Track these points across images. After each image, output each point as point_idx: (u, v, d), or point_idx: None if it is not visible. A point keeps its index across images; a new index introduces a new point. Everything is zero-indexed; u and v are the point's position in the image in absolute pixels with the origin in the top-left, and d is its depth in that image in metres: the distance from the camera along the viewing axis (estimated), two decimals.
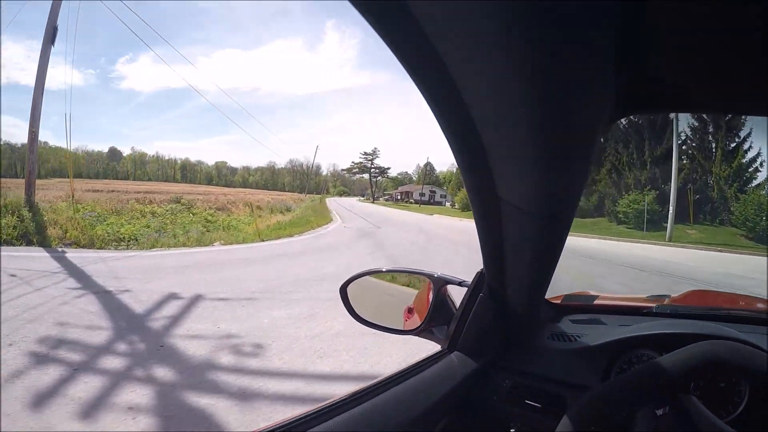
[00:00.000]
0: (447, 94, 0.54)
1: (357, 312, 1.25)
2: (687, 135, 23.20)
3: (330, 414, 0.77)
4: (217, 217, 20.08)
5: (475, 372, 1.08)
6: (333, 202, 52.13)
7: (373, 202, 71.38)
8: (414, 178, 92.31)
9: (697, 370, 0.71)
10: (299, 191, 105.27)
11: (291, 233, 16.18)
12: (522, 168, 0.68)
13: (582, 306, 1.40)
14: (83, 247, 10.80)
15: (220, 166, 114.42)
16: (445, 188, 68.70)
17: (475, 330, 1.10)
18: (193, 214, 19.46)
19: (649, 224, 21.34)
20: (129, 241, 12.15)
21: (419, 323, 1.20)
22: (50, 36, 12.33)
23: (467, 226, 18.65)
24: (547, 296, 1.22)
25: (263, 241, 13.96)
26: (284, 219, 23.28)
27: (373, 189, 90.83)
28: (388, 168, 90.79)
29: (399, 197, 77.46)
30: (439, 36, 0.45)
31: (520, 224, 0.81)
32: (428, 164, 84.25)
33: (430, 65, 0.49)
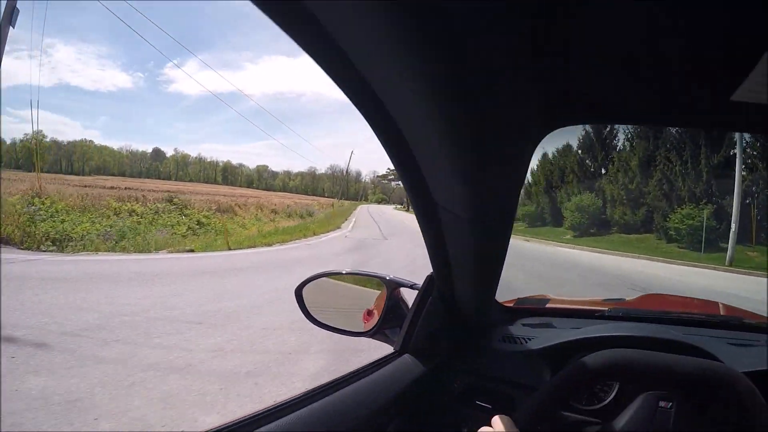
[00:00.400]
0: (374, 111, 0.56)
1: (312, 314, 1.22)
2: (746, 142, 19.88)
3: (276, 415, 0.74)
4: (212, 220, 18.65)
5: (426, 373, 1.07)
6: (364, 210, 50.14)
7: (408, 210, 68.53)
8: None
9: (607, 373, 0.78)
10: (338, 197, 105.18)
11: (270, 242, 14.27)
12: (451, 176, 0.67)
13: (536, 309, 1.42)
14: (11, 245, 9.56)
15: (261, 170, 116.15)
16: None
17: (426, 332, 1.10)
18: (185, 216, 18.07)
19: (706, 244, 18.15)
20: (76, 241, 10.80)
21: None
22: (8, 17, 11.35)
23: None
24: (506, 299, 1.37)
25: (230, 249, 12.16)
26: (290, 224, 21.95)
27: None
28: None
29: None
30: (355, 51, 0.47)
31: (457, 229, 0.81)
32: None
33: (350, 75, 0.50)
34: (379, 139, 0.61)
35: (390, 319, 1.15)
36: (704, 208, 18.98)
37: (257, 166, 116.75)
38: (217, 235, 15.13)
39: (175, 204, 19.15)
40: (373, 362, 1.04)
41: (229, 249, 12.18)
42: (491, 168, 0.64)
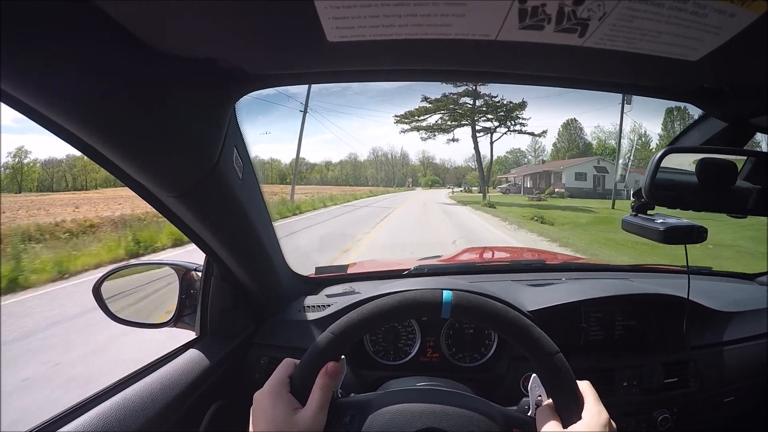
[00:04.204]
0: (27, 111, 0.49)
1: (112, 310, 1.11)
2: None
3: (77, 413, 0.70)
4: None
5: (231, 353, 1.06)
6: (386, 199, 31.82)
7: (484, 204, 23.16)
8: (529, 159, 66.85)
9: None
10: (384, 185, 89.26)
11: None
12: (131, 157, 0.61)
13: (337, 276, 1.42)
14: None
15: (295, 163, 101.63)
16: (627, 161, 27.75)
17: (219, 312, 1.08)
18: None
19: None
20: None
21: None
22: None
23: None
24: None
25: None
26: None
27: (484, 172, 32.87)
28: (522, 105, 31.14)
29: (530, 185, 39.26)
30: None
31: (177, 206, 0.76)
32: (573, 121, 57.45)
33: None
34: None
35: (188, 305, 1.12)
36: None
37: (291, 160, 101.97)
38: None
39: None
40: (173, 350, 1.01)
41: None
42: (162, 137, 0.59)
